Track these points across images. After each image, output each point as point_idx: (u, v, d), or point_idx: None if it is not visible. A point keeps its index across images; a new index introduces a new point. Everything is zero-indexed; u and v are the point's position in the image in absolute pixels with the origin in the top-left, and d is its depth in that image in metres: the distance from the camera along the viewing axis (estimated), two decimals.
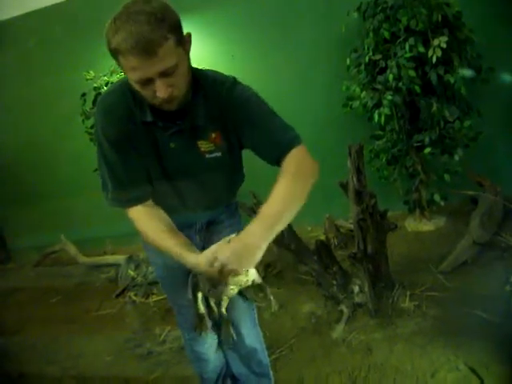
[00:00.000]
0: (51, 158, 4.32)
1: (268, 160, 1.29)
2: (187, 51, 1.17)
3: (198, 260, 1.19)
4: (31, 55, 4.08)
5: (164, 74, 1.09)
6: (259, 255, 1.12)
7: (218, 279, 1.19)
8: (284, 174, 1.20)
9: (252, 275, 1.28)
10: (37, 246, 4.37)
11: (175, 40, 1.08)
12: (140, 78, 1.09)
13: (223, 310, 1.39)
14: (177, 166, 1.33)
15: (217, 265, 1.10)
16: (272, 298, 1.39)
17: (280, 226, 1.15)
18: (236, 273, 1.13)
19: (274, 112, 1.29)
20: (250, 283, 1.29)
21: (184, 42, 1.14)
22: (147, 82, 1.10)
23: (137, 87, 1.14)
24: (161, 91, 1.11)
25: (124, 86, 1.24)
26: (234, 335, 1.43)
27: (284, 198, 1.17)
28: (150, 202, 1.34)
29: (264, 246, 1.12)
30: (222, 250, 1.12)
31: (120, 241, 3.88)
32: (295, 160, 1.22)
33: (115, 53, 1.08)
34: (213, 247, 1.18)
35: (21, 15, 4.03)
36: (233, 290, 1.28)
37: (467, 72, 2.79)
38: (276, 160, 1.25)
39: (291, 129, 1.28)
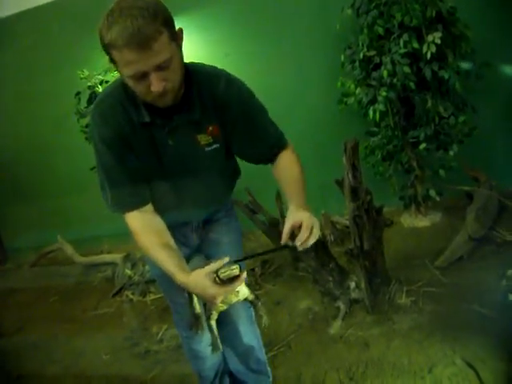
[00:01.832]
0: (48, 157, 4.31)
1: (263, 158, 1.43)
2: (180, 46, 1.17)
3: (187, 280, 1.20)
4: (28, 53, 4.06)
5: (159, 68, 1.09)
6: None
7: (207, 300, 1.24)
8: (288, 164, 1.39)
9: (243, 295, 1.32)
10: (34, 245, 4.36)
11: (168, 34, 1.09)
12: (135, 72, 1.09)
13: (212, 322, 1.39)
14: (177, 163, 1.33)
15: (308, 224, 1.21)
16: (263, 314, 1.43)
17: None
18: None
19: (264, 109, 1.38)
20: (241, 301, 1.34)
21: (176, 37, 1.14)
22: (141, 76, 1.10)
23: (130, 83, 1.14)
24: (155, 85, 1.10)
25: (119, 88, 1.23)
26: (221, 347, 1.44)
27: (299, 175, 1.37)
28: (148, 207, 1.33)
29: None
30: (300, 218, 1.22)
31: (116, 240, 3.87)
32: (290, 154, 1.41)
33: (109, 48, 1.07)
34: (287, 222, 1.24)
35: (17, 13, 4.01)
36: (222, 306, 1.31)
37: (464, 64, 2.79)
38: (270, 158, 1.41)
39: (276, 126, 1.41)
